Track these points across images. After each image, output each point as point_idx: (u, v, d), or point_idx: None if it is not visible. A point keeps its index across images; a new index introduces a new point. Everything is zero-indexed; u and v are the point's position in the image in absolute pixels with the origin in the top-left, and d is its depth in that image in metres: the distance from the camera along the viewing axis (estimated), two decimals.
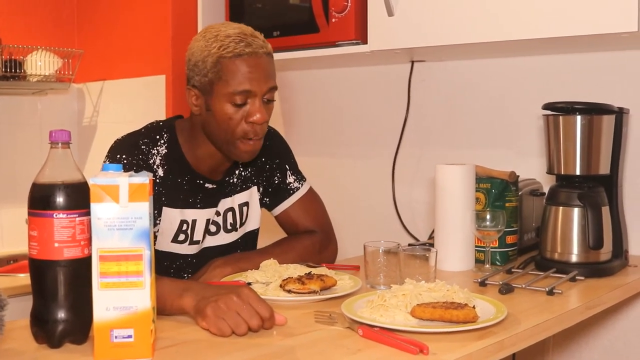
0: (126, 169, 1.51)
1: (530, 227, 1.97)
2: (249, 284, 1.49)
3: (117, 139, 1.60)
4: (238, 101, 1.51)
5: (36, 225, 1.10)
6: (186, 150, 1.63)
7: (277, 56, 1.71)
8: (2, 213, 3.05)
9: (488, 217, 1.71)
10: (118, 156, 1.55)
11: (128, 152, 1.56)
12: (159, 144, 1.60)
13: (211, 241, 1.70)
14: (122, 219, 1.05)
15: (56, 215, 1.09)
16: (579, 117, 1.71)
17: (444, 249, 1.74)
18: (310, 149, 2.69)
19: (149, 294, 1.07)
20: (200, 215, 1.65)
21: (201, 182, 1.65)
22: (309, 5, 2.19)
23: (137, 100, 2.99)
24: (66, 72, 3.04)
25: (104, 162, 1.55)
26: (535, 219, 1.96)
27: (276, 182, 1.80)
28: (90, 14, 3.22)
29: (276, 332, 1.22)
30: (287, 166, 1.81)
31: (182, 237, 1.64)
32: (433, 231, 1.87)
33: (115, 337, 1.06)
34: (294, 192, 1.81)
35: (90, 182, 1.05)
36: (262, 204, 1.80)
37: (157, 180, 1.58)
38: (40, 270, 1.11)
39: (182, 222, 1.63)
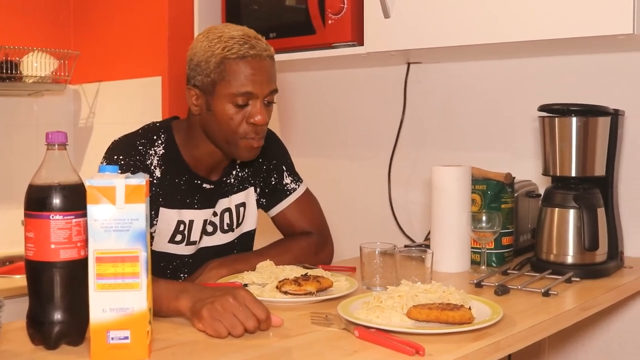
0: (123, 169, 1.51)
1: (526, 229, 1.98)
2: (245, 285, 1.49)
3: (115, 140, 1.60)
4: (240, 102, 1.52)
5: (32, 226, 1.10)
6: (184, 150, 1.63)
7: None
8: None
9: (484, 218, 1.72)
10: (115, 157, 1.55)
11: (125, 153, 1.56)
12: (156, 144, 1.60)
13: (208, 242, 1.70)
14: (118, 220, 1.05)
15: (52, 217, 1.09)
16: (574, 119, 1.71)
17: (440, 250, 1.74)
18: (306, 150, 2.69)
19: (145, 295, 1.07)
20: (197, 216, 1.65)
21: (199, 182, 1.65)
22: (305, 7, 2.19)
23: (134, 102, 2.99)
24: (62, 74, 3.03)
25: (102, 163, 1.55)
26: (531, 220, 1.97)
27: (273, 183, 1.80)
28: (86, 15, 3.22)
29: (272, 333, 1.22)
30: (283, 167, 1.82)
31: (179, 237, 1.64)
32: (429, 232, 1.88)
33: (112, 338, 1.06)
34: (290, 193, 1.81)
35: (86, 183, 1.06)
36: (259, 205, 1.80)
37: (155, 181, 1.58)
38: (37, 272, 1.11)
39: (179, 222, 1.63)
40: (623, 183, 1.93)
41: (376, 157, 2.50)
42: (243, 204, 1.75)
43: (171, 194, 1.61)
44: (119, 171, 1.12)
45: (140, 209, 1.06)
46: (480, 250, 1.76)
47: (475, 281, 1.59)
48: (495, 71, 2.22)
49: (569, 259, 1.71)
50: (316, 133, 2.71)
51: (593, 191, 1.73)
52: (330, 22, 2.14)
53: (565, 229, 1.72)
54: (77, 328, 1.12)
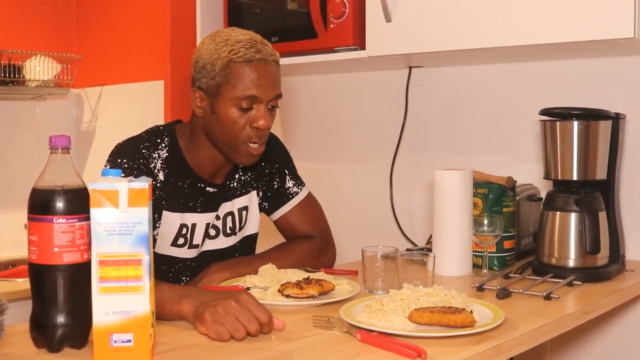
0: (127, 173, 1.51)
1: (528, 232, 1.98)
2: (248, 288, 1.50)
3: (118, 144, 1.60)
4: (244, 105, 1.52)
5: (36, 230, 1.10)
6: (187, 153, 1.64)
7: None
8: (1, 218, 3.04)
9: (485, 222, 1.72)
10: (119, 160, 1.55)
11: (129, 157, 1.56)
12: (160, 147, 1.61)
13: (210, 245, 1.71)
14: (121, 224, 1.06)
15: (56, 220, 1.10)
16: (575, 123, 1.71)
17: (441, 253, 1.75)
18: (308, 154, 2.70)
19: (148, 298, 1.07)
20: (200, 219, 1.65)
21: (202, 185, 1.65)
22: (307, 11, 2.20)
23: (136, 106, 3.00)
24: (65, 77, 3.04)
25: (105, 166, 1.55)
26: (533, 224, 1.97)
27: (275, 186, 1.80)
28: (88, 19, 3.23)
29: (275, 336, 1.22)
30: (286, 171, 1.82)
31: (181, 240, 1.64)
32: (431, 236, 1.88)
33: (115, 341, 1.06)
34: (292, 197, 1.81)
35: (90, 187, 1.06)
36: (261, 209, 1.80)
37: (158, 184, 1.58)
38: (40, 275, 1.11)
39: (182, 226, 1.63)
40: (624, 186, 1.93)
41: (378, 161, 2.51)
42: (246, 208, 1.76)
43: (174, 197, 1.61)
44: (123, 174, 1.12)
45: (143, 213, 1.07)
46: (482, 254, 1.77)
47: (476, 284, 1.59)
48: (497, 75, 2.22)
49: (571, 263, 1.71)
50: (318, 136, 2.71)
51: (594, 195, 1.74)
52: (332, 26, 2.15)
53: (567, 233, 1.72)
54: (80, 331, 1.13)
